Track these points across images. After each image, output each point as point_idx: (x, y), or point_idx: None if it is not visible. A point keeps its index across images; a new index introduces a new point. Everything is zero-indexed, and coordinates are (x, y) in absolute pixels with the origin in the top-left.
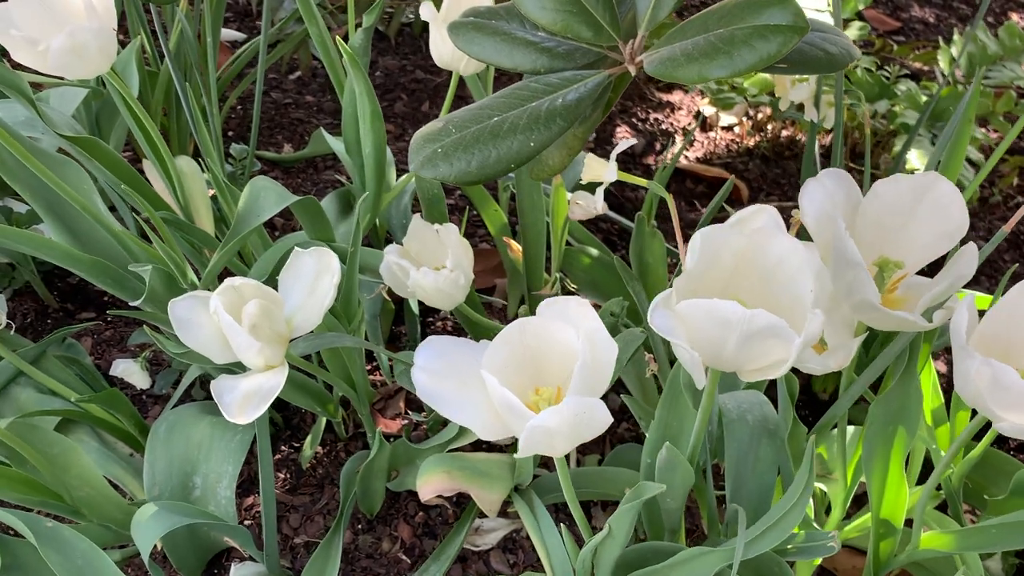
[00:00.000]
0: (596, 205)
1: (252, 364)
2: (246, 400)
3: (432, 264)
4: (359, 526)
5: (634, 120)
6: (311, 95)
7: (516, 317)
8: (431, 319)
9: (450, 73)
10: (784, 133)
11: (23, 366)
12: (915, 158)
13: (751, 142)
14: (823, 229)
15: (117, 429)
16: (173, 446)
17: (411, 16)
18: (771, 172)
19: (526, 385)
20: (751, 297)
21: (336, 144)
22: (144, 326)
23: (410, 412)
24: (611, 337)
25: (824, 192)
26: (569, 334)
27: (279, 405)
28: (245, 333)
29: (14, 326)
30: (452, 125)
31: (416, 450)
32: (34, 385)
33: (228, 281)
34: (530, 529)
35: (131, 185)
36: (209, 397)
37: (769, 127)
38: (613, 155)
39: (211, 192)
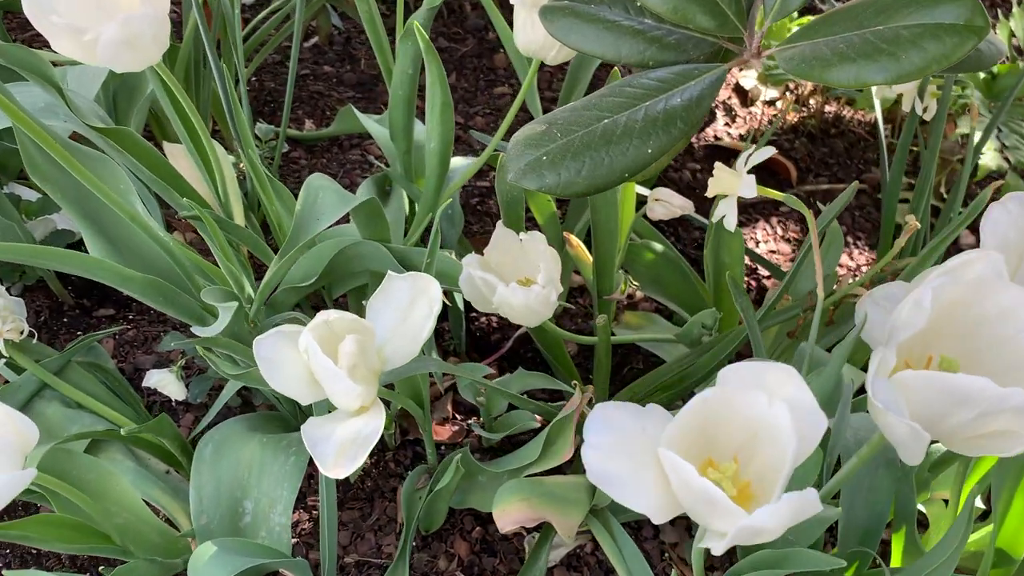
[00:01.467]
0: (688, 206)
1: (346, 407)
2: (342, 451)
3: (513, 275)
4: (413, 543)
5: None
6: (329, 65)
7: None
8: (473, 314)
9: (478, 40)
10: (828, 108)
11: (49, 379)
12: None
13: (794, 118)
14: (1008, 261)
15: (151, 444)
16: (221, 468)
17: None
18: (818, 151)
19: (695, 457)
20: (954, 353)
21: (373, 126)
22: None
23: (458, 416)
24: (818, 409)
25: (1009, 218)
26: (760, 406)
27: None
28: (345, 377)
29: (36, 335)
30: (556, 128)
31: (485, 470)
32: (60, 398)
33: (322, 316)
34: (608, 550)
35: (167, 180)
36: (248, 406)
37: (812, 102)
38: (745, 165)
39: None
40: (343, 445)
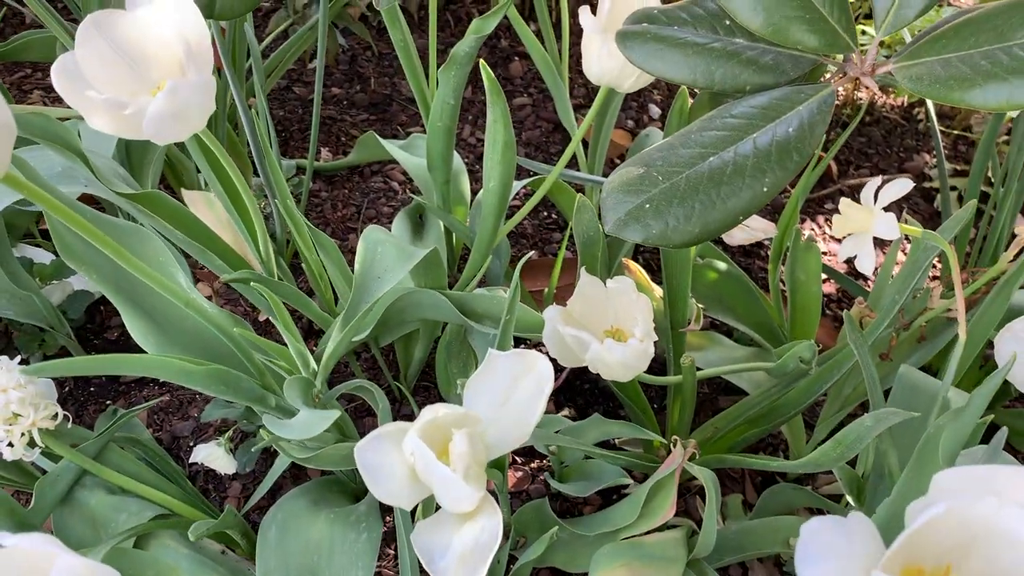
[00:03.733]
0: (770, 230)
1: (457, 511)
2: (463, 563)
3: (598, 324)
4: None
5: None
6: (337, 86)
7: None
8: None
9: (490, 49)
10: (858, 95)
11: (90, 466)
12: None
13: None
14: None
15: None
16: (288, 553)
17: None
18: (855, 141)
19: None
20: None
21: (400, 154)
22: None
23: (518, 459)
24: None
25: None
26: (987, 510)
27: None
28: (462, 483)
29: (71, 418)
30: (656, 171)
31: (572, 532)
32: (102, 484)
33: (429, 413)
34: None
35: (201, 241)
36: (299, 469)
37: (841, 90)
38: (878, 202)
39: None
40: (463, 557)
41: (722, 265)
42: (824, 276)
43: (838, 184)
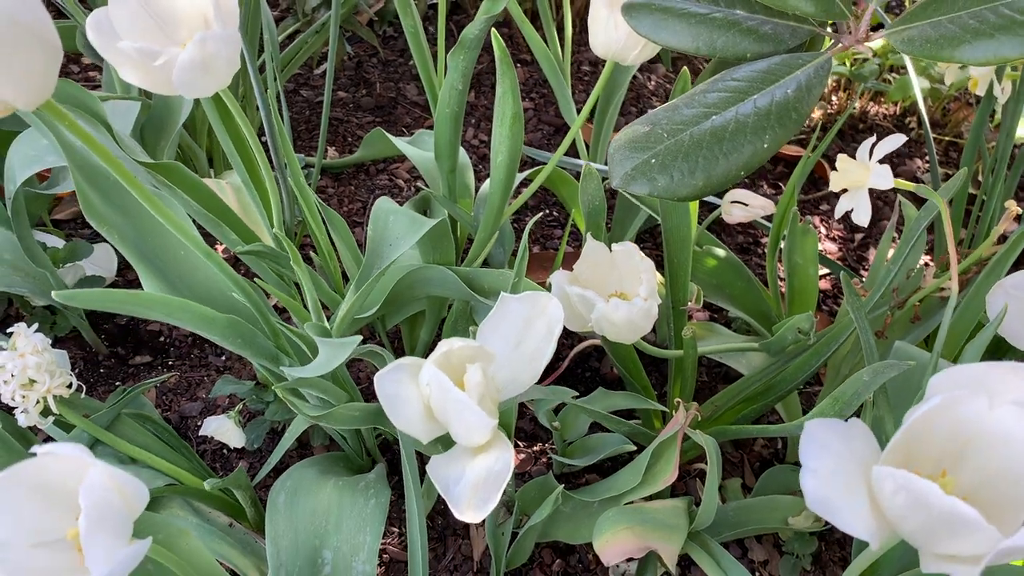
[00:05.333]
0: (768, 207)
1: (471, 443)
2: (476, 492)
3: (603, 290)
4: None
5: None
6: (343, 90)
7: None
8: None
9: (492, 57)
10: (852, 104)
11: (102, 435)
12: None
13: (816, 114)
14: None
15: (213, 497)
16: (297, 518)
17: None
18: (849, 148)
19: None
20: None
21: (407, 148)
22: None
23: (520, 443)
24: None
25: None
26: (977, 413)
27: (385, 446)
28: (477, 409)
29: (84, 388)
30: (661, 129)
31: (576, 500)
32: (113, 454)
33: (444, 346)
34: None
35: (216, 214)
36: (305, 448)
37: (834, 99)
38: (874, 155)
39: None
40: (476, 486)
41: (720, 252)
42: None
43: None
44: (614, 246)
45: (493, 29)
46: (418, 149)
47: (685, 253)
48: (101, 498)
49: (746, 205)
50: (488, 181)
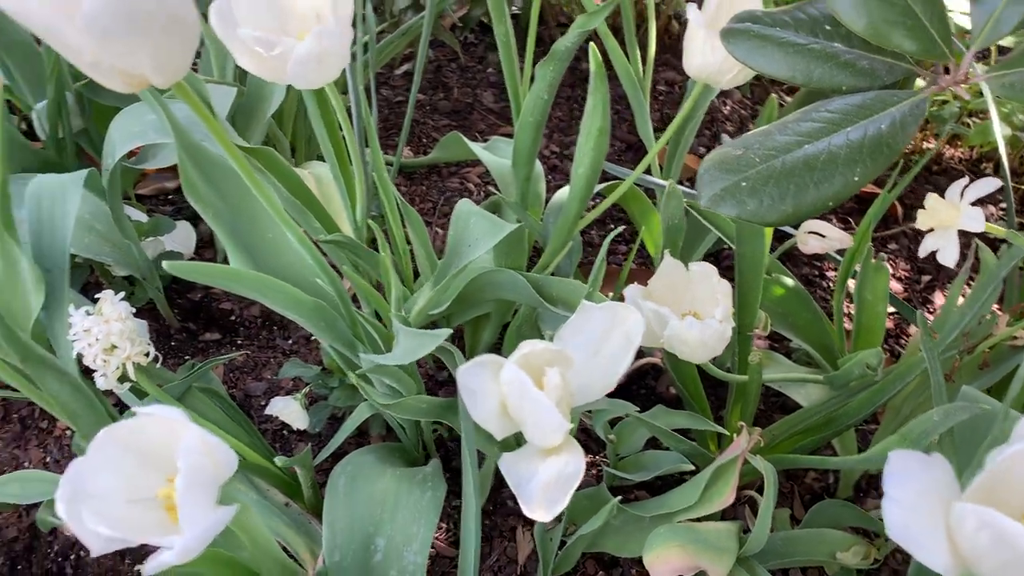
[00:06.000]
0: (845, 240)
1: (544, 444)
2: (546, 492)
3: (676, 307)
4: None
5: None
6: (421, 92)
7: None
8: None
9: (569, 70)
10: (925, 145)
11: (174, 405)
12: None
13: None
14: None
15: (272, 475)
16: (354, 503)
17: (519, 8)
18: (922, 188)
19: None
20: None
21: (483, 153)
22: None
23: None
24: None
25: None
26: None
27: (439, 442)
28: (555, 410)
29: (160, 358)
30: (753, 153)
31: (628, 514)
32: None
33: (526, 347)
34: None
35: (303, 201)
36: (362, 436)
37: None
38: (965, 197)
39: None
40: (547, 486)
41: (789, 281)
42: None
43: (902, 226)
44: (691, 265)
45: (592, 45)
46: (493, 155)
47: (757, 279)
48: (196, 461)
49: (823, 236)
50: (560, 191)
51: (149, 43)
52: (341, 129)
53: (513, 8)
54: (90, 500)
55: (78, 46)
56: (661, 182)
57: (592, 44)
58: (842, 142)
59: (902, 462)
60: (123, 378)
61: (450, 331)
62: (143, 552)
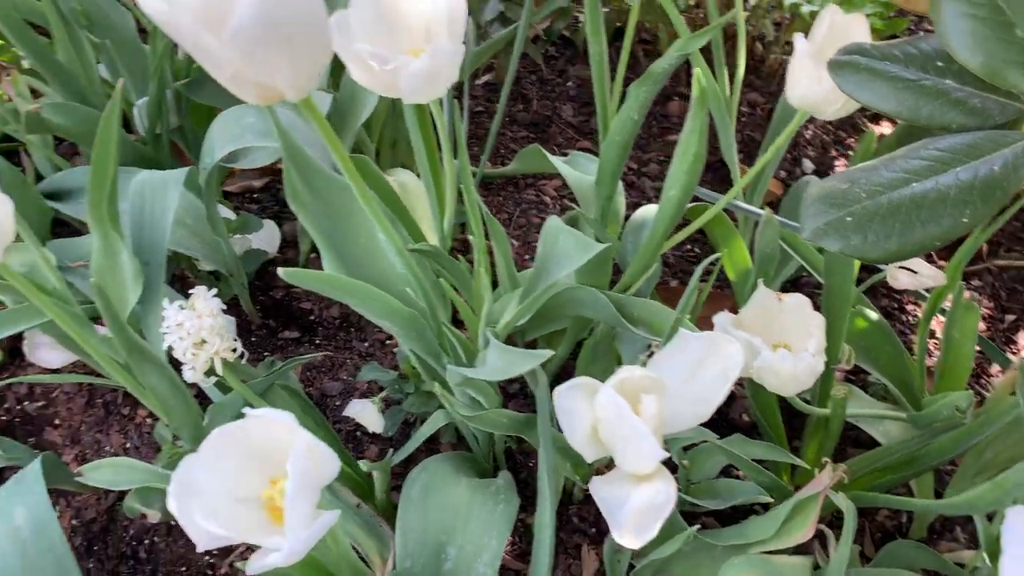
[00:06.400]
0: (938, 277)
1: (636, 470)
2: (637, 519)
3: (765, 337)
4: None
5: (850, 153)
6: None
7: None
8: None
9: None
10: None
11: (257, 402)
12: None
13: None
14: None
15: (344, 475)
16: (428, 510)
17: None
18: (1010, 224)
19: None
20: None
21: (565, 168)
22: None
23: None
24: None
25: None
26: None
27: (507, 454)
28: (653, 438)
29: (246, 355)
30: (859, 188)
31: (702, 541)
32: None
33: (625, 372)
34: None
35: (393, 210)
36: (432, 443)
37: None
38: None
39: None
40: (639, 513)
41: (873, 315)
42: None
43: (986, 263)
44: (785, 296)
45: (697, 70)
46: (574, 170)
47: (844, 311)
48: (305, 466)
49: (914, 272)
50: (640, 210)
51: (288, 58)
52: (444, 142)
53: None
54: (199, 496)
55: (221, 59)
56: (753, 209)
57: (697, 69)
58: (951, 182)
59: (1020, 520)
60: (210, 372)
61: (551, 353)
62: None
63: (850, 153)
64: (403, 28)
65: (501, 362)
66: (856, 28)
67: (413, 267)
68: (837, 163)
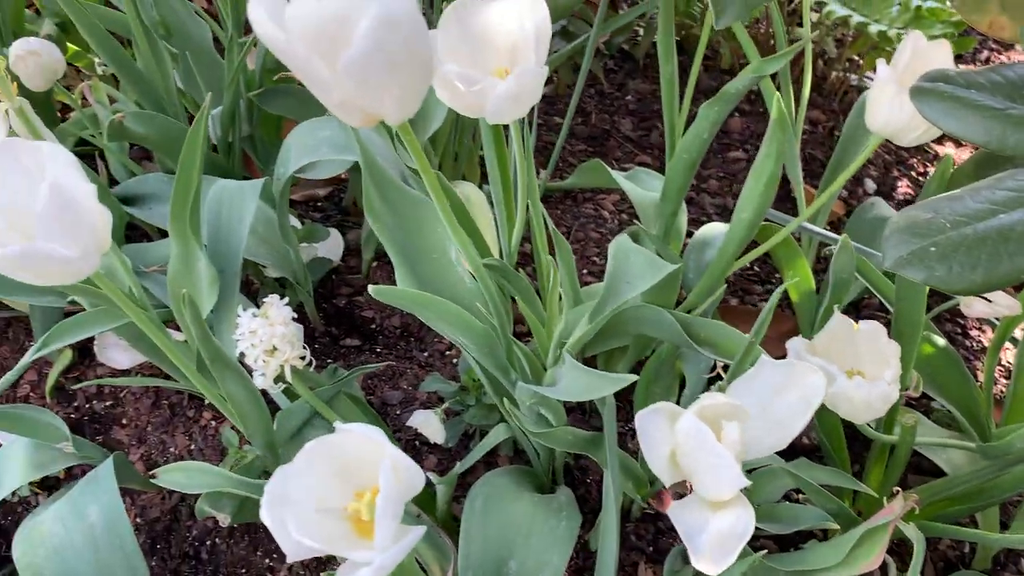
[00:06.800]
0: (1015, 307)
1: (716, 497)
2: (718, 545)
3: (839, 364)
4: None
5: (913, 174)
6: (560, 116)
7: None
8: None
9: None
10: None
11: (323, 409)
12: None
13: None
14: None
15: None
16: (490, 524)
17: None
18: None
19: None
20: None
21: (627, 184)
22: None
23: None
24: None
25: None
26: None
27: (565, 470)
28: (736, 466)
29: (314, 363)
30: (943, 218)
31: (768, 567)
32: (328, 428)
33: (708, 398)
34: None
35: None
36: (491, 457)
37: None
38: None
39: None
40: (719, 540)
41: (940, 341)
42: None
43: None
44: (860, 324)
45: (778, 95)
46: (636, 186)
47: (914, 338)
48: (394, 481)
49: (989, 301)
50: (704, 228)
51: (397, 86)
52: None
53: (656, 36)
54: (291, 507)
55: (331, 85)
56: (828, 234)
57: (777, 94)
58: None
59: None
60: (278, 379)
61: (635, 378)
62: (274, 545)
63: (912, 173)
64: (489, 48)
65: (580, 384)
66: (938, 54)
67: (487, 282)
68: (899, 183)
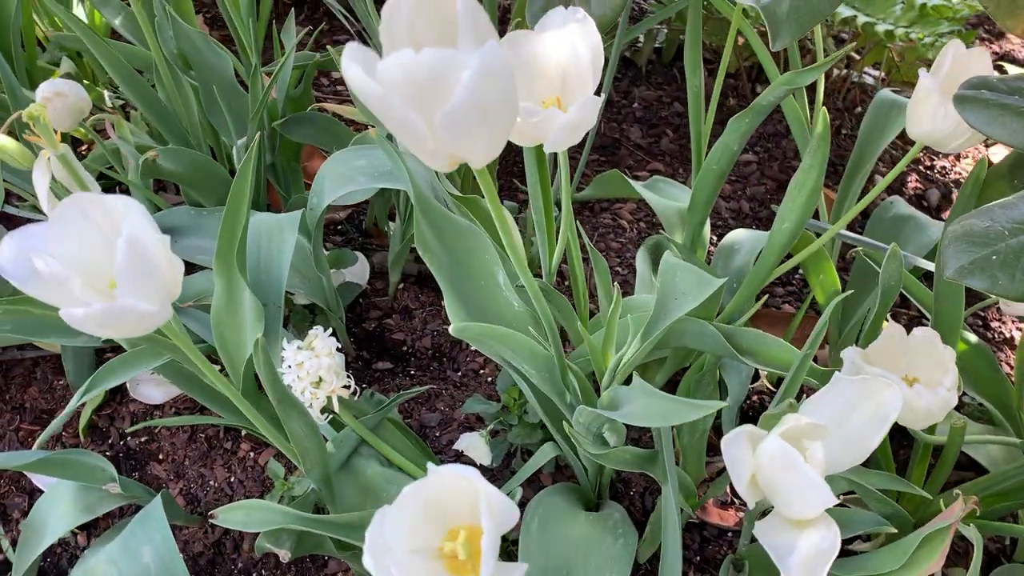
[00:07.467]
0: None
1: (800, 515)
2: (806, 565)
3: (894, 372)
4: None
5: (921, 168)
6: None
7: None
8: None
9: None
10: None
11: (370, 438)
12: None
13: None
14: None
15: None
16: (549, 544)
17: (662, 43)
18: None
19: None
20: None
21: (648, 194)
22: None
23: (736, 499)
24: None
25: None
26: None
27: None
28: (825, 486)
29: (359, 392)
30: (1001, 226)
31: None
32: (376, 456)
33: (792, 419)
34: None
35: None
36: (535, 480)
37: None
38: None
39: None
40: (808, 559)
41: (972, 338)
42: None
43: None
44: (915, 331)
45: (823, 109)
46: (656, 195)
47: (954, 338)
48: (495, 519)
49: None
50: (730, 235)
51: (488, 133)
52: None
53: (657, 43)
54: (390, 552)
55: (426, 135)
56: (873, 242)
57: (823, 108)
58: None
59: None
60: (325, 410)
61: (723, 404)
62: (321, 574)
63: (920, 167)
64: (539, 77)
65: (655, 409)
66: (978, 62)
67: (544, 306)
68: (909, 178)
